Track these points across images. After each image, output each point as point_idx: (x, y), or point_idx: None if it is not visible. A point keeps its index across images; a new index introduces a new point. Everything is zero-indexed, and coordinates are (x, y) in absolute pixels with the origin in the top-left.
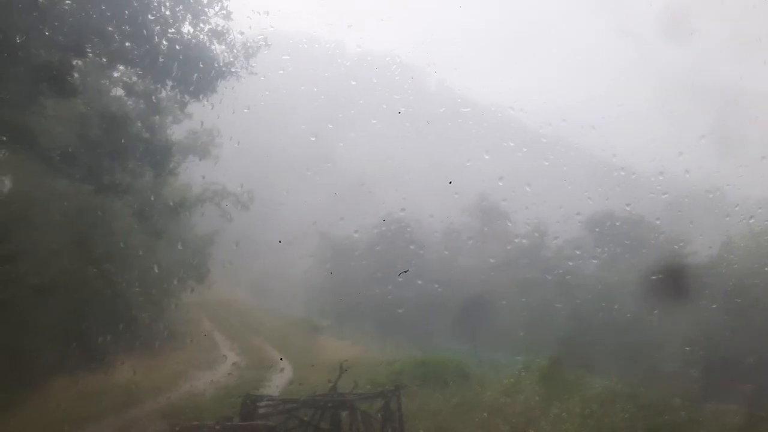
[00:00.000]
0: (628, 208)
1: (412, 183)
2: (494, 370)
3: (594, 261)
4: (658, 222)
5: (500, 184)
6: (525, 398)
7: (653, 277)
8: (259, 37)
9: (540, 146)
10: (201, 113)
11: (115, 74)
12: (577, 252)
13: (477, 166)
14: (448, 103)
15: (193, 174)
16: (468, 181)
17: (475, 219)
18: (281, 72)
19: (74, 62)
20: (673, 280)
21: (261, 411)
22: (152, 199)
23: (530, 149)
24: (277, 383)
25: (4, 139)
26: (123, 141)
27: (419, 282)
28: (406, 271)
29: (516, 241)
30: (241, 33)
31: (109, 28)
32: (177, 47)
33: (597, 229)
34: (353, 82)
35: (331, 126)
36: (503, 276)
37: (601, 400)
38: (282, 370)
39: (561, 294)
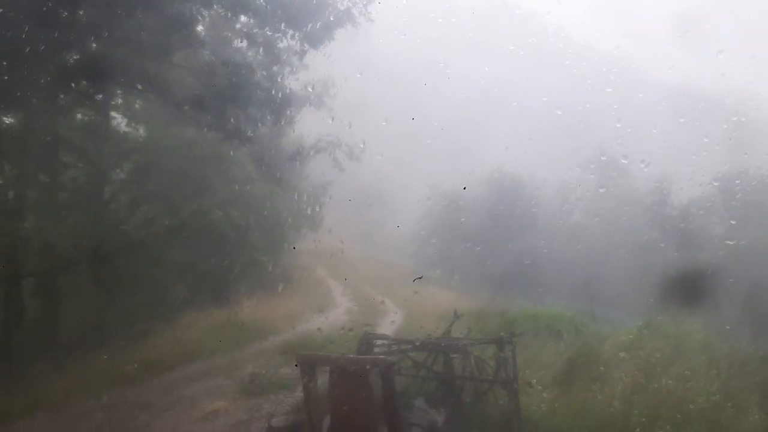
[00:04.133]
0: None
1: (526, 136)
2: (611, 327)
3: (722, 222)
4: None
5: (620, 137)
6: (645, 355)
7: None
8: None
9: (667, 99)
10: (317, 64)
11: (237, 25)
12: (703, 212)
13: (597, 119)
14: (567, 53)
15: (308, 124)
16: (586, 133)
17: (593, 174)
18: (399, 21)
19: (202, 13)
20: None
21: (376, 350)
22: (271, 147)
23: (656, 100)
24: (387, 330)
25: (140, 87)
26: (245, 90)
27: (532, 237)
28: (420, 278)
29: (636, 198)
30: None
31: None
32: None
33: (728, 189)
34: (470, 34)
35: (447, 78)
36: (621, 234)
37: (729, 361)
38: (393, 320)
39: (684, 256)
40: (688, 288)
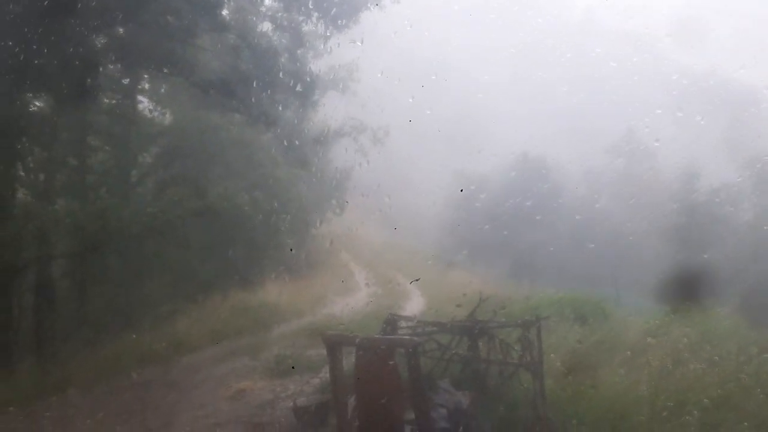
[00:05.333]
0: None
1: (552, 120)
2: (637, 313)
3: (751, 208)
4: None
5: (648, 122)
6: (672, 340)
7: None
8: None
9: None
10: (341, 48)
11: (262, 9)
12: (732, 198)
13: (624, 103)
14: (594, 35)
15: (332, 108)
16: (613, 118)
17: (619, 159)
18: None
19: None
20: None
21: (401, 332)
22: (296, 131)
23: (686, 85)
24: (411, 313)
25: (166, 71)
26: (271, 74)
27: (557, 222)
28: (417, 280)
29: (664, 183)
30: None
31: None
32: None
33: (758, 175)
34: (492, 15)
35: (470, 61)
36: (648, 220)
37: (759, 347)
38: (417, 303)
39: (711, 242)
40: (716, 274)
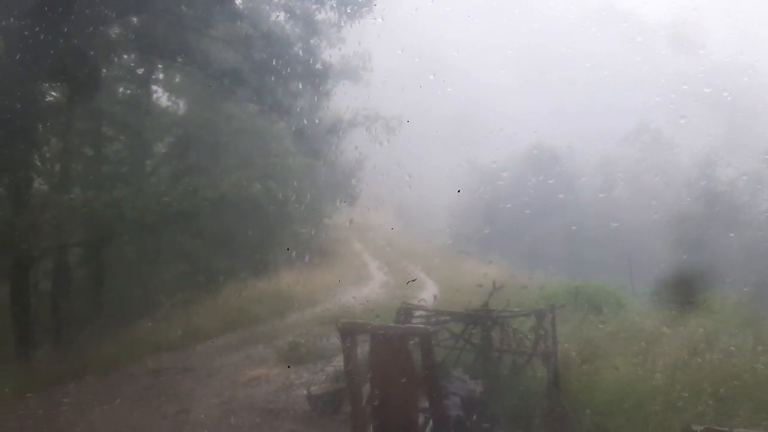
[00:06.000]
0: None
1: (566, 108)
2: (652, 302)
3: None
4: None
5: (665, 109)
6: (688, 331)
7: None
8: None
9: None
10: (354, 37)
11: None
12: (751, 188)
13: (641, 89)
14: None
15: (345, 98)
16: (629, 105)
17: (634, 149)
18: None
19: None
20: None
21: (415, 321)
22: (308, 121)
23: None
24: (424, 302)
25: (180, 61)
26: (284, 63)
27: (571, 212)
28: (413, 280)
29: (681, 171)
30: None
31: None
32: None
33: None
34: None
35: (484, 53)
36: (664, 209)
37: None
38: (430, 293)
39: (730, 231)
40: (734, 264)
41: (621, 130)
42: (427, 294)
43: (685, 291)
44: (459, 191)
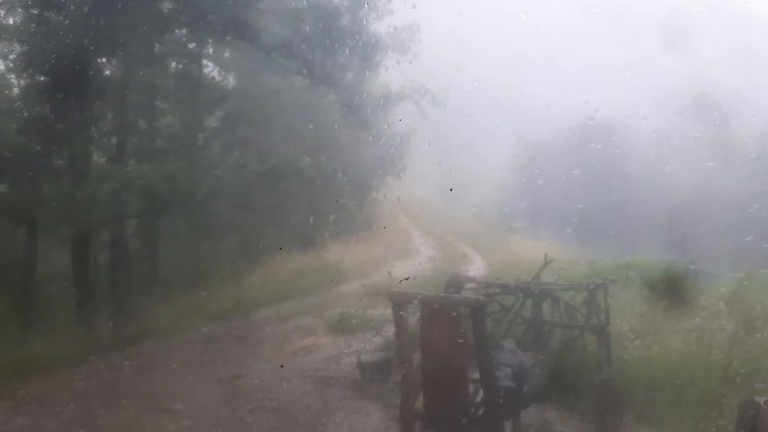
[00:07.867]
0: None
1: (618, 82)
2: (708, 279)
3: None
4: None
5: (723, 83)
6: (746, 307)
7: None
8: None
9: None
10: (403, 9)
11: None
12: None
13: (698, 63)
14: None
15: (393, 71)
16: (685, 78)
17: (690, 122)
18: None
19: None
20: None
21: (464, 292)
22: (357, 94)
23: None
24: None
25: (229, 35)
26: (332, 36)
27: (623, 187)
28: (407, 279)
29: (738, 147)
30: None
31: None
32: None
33: None
34: None
35: (538, 26)
36: (720, 186)
37: None
38: (477, 267)
39: None
40: None
41: (679, 101)
42: (474, 269)
43: (743, 267)
44: (451, 189)
